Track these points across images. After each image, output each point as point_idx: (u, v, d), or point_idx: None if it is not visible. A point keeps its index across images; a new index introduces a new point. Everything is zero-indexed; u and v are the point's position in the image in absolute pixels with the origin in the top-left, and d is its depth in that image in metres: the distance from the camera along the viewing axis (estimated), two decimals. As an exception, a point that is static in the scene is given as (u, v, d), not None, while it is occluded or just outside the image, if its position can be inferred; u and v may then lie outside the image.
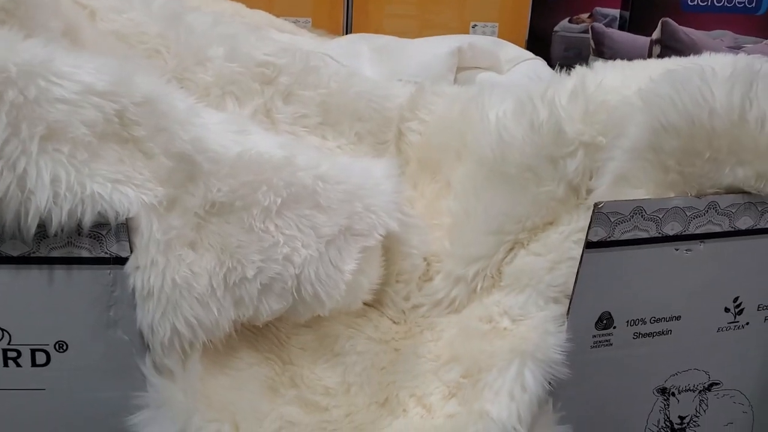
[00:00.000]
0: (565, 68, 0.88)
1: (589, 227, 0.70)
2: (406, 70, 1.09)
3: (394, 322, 0.82)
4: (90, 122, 0.61)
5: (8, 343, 0.65)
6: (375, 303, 0.81)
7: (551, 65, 1.20)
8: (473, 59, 1.15)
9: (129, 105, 0.64)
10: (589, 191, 0.78)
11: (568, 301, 0.73)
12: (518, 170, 0.79)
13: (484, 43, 1.18)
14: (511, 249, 0.80)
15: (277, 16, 1.38)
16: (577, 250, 0.74)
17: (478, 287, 0.80)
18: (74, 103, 0.61)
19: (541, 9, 1.61)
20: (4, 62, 0.58)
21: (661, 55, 1.39)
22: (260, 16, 1.24)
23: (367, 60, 1.14)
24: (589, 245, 0.70)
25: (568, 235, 0.77)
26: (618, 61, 0.87)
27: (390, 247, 0.80)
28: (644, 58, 0.96)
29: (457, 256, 0.82)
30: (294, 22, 1.42)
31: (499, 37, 1.54)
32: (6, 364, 0.65)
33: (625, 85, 0.79)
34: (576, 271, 0.72)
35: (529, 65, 1.19)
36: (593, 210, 0.69)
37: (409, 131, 0.95)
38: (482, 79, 1.12)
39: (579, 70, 0.84)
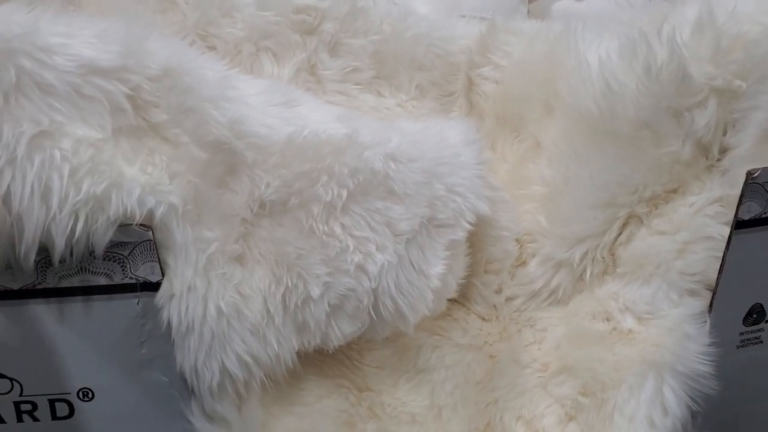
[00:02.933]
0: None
1: (739, 202, 0.57)
2: (468, 3, 0.91)
3: (484, 319, 0.68)
4: (94, 113, 0.46)
5: (20, 395, 0.52)
6: (459, 298, 0.67)
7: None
8: (546, -12, 0.98)
9: (143, 82, 0.49)
10: (723, 151, 0.62)
11: (710, 294, 0.60)
12: (632, 128, 0.63)
13: (558, -30, 1.00)
14: (626, 225, 0.65)
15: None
16: (716, 228, 0.61)
17: (587, 274, 0.65)
18: (73, 86, 0.46)
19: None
20: (-30, 38, 0.43)
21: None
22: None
23: (419, -7, 0.97)
24: (739, 224, 0.57)
25: (701, 208, 0.62)
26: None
27: (475, 231, 0.65)
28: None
29: (558, 236, 0.66)
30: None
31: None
32: (20, 419, 0.52)
33: (763, 11, 0.62)
34: (720, 255, 0.59)
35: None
36: (746, 180, 0.56)
37: (481, 80, 0.79)
38: (559, 8, 0.94)
39: None
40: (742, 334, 0.61)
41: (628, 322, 0.61)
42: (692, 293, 0.60)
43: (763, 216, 0.57)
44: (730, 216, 0.58)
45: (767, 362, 0.63)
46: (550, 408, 0.60)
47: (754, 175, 0.55)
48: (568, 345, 0.63)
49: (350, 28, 0.77)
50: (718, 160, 0.63)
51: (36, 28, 0.46)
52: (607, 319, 0.62)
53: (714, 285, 0.59)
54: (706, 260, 0.60)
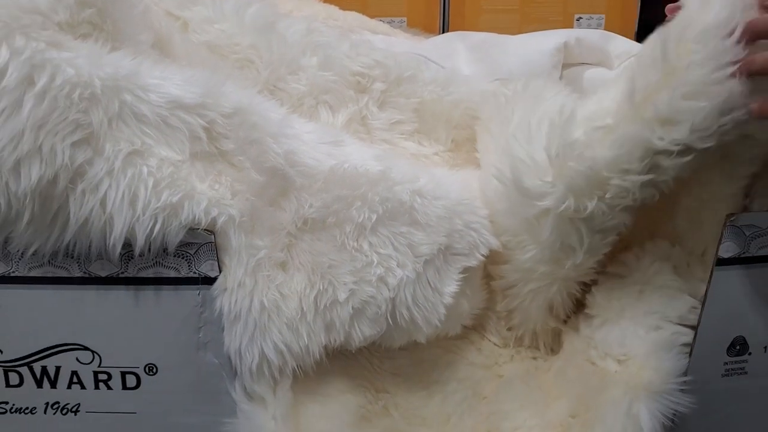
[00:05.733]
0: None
1: (719, 242, 0.63)
2: (506, 68, 1.02)
3: (497, 345, 0.76)
4: (176, 140, 0.58)
5: (99, 366, 0.63)
6: (477, 326, 0.75)
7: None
8: (580, 55, 1.07)
9: (218, 117, 0.61)
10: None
11: (675, 327, 0.66)
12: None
13: (592, 37, 1.10)
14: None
15: (372, 16, 1.33)
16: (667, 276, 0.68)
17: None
18: (162, 118, 0.58)
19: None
20: (89, 77, 0.56)
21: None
22: (353, 17, 1.19)
23: (463, 59, 1.08)
24: (719, 262, 0.63)
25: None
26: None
27: (490, 271, 0.74)
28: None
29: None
30: (389, 23, 1.38)
31: (605, 29, 1.44)
32: (97, 386, 0.63)
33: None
34: (678, 295, 0.66)
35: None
36: (725, 223, 0.63)
37: (509, 136, 0.88)
38: (591, 76, 1.04)
39: None
40: (726, 363, 0.66)
41: (611, 366, 0.66)
42: (657, 328, 0.65)
43: (742, 256, 0.63)
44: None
45: (751, 392, 0.67)
46: (544, 426, 0.67)
47: (732, 219, 0.62)
48: (565, 374, 0.69)
49: (397, 90, 0.89)
50: None
51: (138, 71, 0.59)
52: (593, 364, 0.68)
53: (678, 318, 0.65)
54: (664, 299, 0.66)
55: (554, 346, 0.74)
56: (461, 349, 0.74)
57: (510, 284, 0.72)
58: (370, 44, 0.92)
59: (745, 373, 0.67)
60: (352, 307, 0.62)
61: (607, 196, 0.61)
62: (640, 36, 1.48)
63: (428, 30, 1.42)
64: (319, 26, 0.91)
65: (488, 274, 0.75)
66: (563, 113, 0.65)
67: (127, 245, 0.58)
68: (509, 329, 0.76)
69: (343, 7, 1.28)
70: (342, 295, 0.61)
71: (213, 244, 0.59)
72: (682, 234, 0.69)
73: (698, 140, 0.58)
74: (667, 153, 0.58)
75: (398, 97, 0.90)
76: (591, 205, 0.62)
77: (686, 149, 0.58)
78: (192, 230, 0.59)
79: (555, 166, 0.63)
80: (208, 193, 0.59)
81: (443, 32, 1.41)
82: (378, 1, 1.42)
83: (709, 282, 0.64)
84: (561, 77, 1.02)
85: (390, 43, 1.12)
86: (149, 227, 0.57)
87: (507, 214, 0.70)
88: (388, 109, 0.90)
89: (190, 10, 0.84)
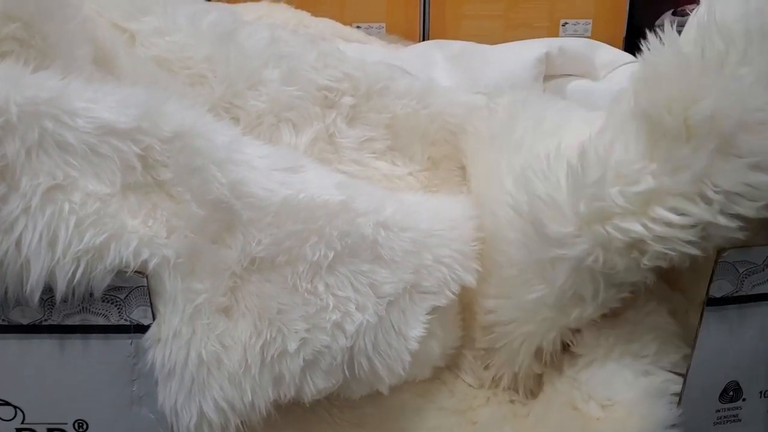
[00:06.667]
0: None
1: (710, 280, 0.58)
2: (486, 80, 0.96)
3: (472, 386, 0.70)
4: (106, 170, 0.52)
5: (22, 422, 0.56)
6: (451, 365, 0.69)
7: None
8: (563, 66, 1.01)
9: (155, 143, 0.54)
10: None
11: (665, 374, 0.61)
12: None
13: (576, 46, 1.04)
14: None
15: (349, 22, 1.28)
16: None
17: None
18: (89, 146, 0.52)
19: (641, 1, 1.44)
20: (4, 102, 0.49)
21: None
22: (325, 24, 1.13)
23: (442, 69, 1.02)
24: (710, 302, 0.58)
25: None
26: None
27: (470, 304, 0.68)
28: None
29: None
30: (366, 29, 1.32)
31: (592, 35, 1.39)
32: (20, 445, 0.57)
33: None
34: (670, 340, 0.62)
35: (629, 70, 1.04)
36: (716, 259, 0.57)
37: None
38: (574, 88, 0.98)
39: None
40: (718, 411, 0.61)
41: (594, 410, 0.61)
42: (647, 374, 0.60)
43: (735, 294, 0.58)
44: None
45: (746, 440, 0.63)
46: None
47: (724, 255, 0.57)
48: (544, 423, 0.64)
49: (369, 104, 0.83)
50: None
51: (63, 93, 0.52)
52: (575, 408, 0.62)
53: (670, 365, 0.60)
54: (656, 342, 0.61)
55: (534, 388, 0.68)
56: (431, 392, 0.67)
57: (501, 321, 0.66)
58: (339, 54, 0.86)
59: (739, 420, 0.63)
60: (304, 359, 0.55)
61: (645, 260, 0.54)
62: (629, 42, 1.42)
63: (408, 37, 1.36)
64: (284, 35, 0.85)
65: (466, 307, 0.69)
66: (584, 158, 0.56)
67: (49, 291, 0.52)
68: (486, 368, 0.70)
69: (320, 13, 1.22)
70: (292, 345, 0.55)
71: (145, 288, 0.53)
72: (685, 280, 0.63)
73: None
74: (724, 226, 0.52)
75: (369, 112, 0.84)
76: (622, 263, 0.55)
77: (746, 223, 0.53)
78: (121, 272, 0.52)
79: (582, 220, 0.56)
80: (140, 231, 0.52)
81: (423, 39, 1.36)
82: (355, 7, 1.36)
83: (700, 323, 0.59)
84: (543, 90, 0.96)
85: (364, 52, 1.05)
86: (71, 272, 0.50)
87: (518, 247, 0.63)
88: (358, 126, 0.84)
89: (138, 21, 0.77)
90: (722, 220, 0.52)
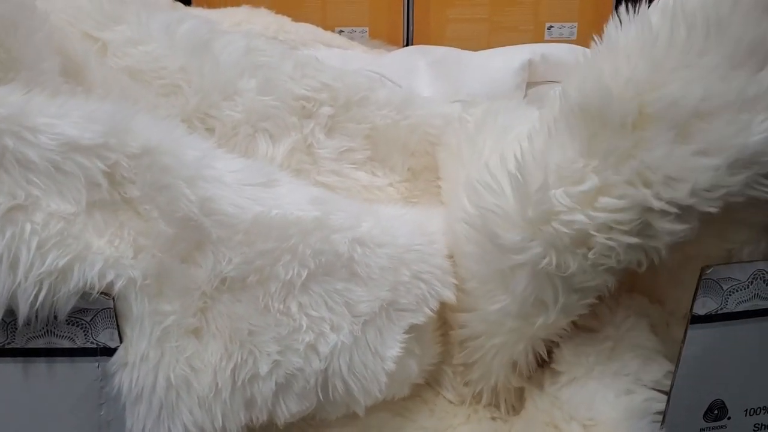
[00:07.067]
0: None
1: (694, 297, 0.57)
2: (468, 88, 0.95)
3: (452, 403, 0.68)
4: (71, 188, 0.50)
5: (-15, 448, 0.55)
6: (431, 381, 0.68)
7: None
8: (546, 73, 1.00)
9: (122, 159, 0.53)
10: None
11: (647, 392, 0.60)
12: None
13: (559, 53, 1.03)
14: None
15: (332, 26, 1.27)
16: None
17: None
18: (53, 163, 0.50)
19: (628, 4, 1.43)
20: (-39, 119, 0.47)
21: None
22: (306, 30, 1.12)
23: (424, 76, 1.01)
24: (695, 320, 0.57)
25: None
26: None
27: (448, 319, 0.66)
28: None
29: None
30: (350, 33, 1.30)
31: (578, 38, 1.38)
32: (-16, 472, 0.55)
33: None
34: (652, 357, 0.60)
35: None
36: (700, 276, 0.56)
37: (474, 166, 0.81)
38: (557, 95, 0.97)
39: None
40: (703, 430, 0.60)
41: (576, 430, 0.59)
42: (628, 392, 0.59)
43: (719, 312, 0.57)
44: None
45: (731, 460, 0.62)
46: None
47: (708, 272, 0.56)
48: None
49: (347, 114, 0.81)
50: None
51: (25, 109, 0.51)
52: (557, 428, 0.61)
53: (653, 383, 0.59)
54: (638, 360, 0.60)
55: (516, 404, 0.67)
56: (411, 410, 0.66)
57: (472, 335, 0.65)
58: (317, 64, 0.84)
59: (724, 438, 0.61)
60: (276, 382, 0.54)
61: (591, 255, 0.54)
62: (615, 47, 1.41)
63: (391, 41, 1.35)
64: (261, 44, 0.83)
65: (446, 322, 0.67)
66: (523, 165, 0.57)
67: (11, 313, 0.50)
68: (466, 384, 0.68)
69: (302, 17, 1.21)
70: (264, 368, 0.53)
71: (112, 310, 0.51)
72: (662, 292, 0.62)
73: (701, 203, 0.51)
74: (661, 213, 0.52)
75: (348, 123, 0.83)
76: (574, 263, 0.55)
77: (684, 213, 0.52)
78: (87, 294, 0.50)
79: (532, 225, 0.55)
80: (105, 252, 0.51)
81: (407, 44, 1.35)
82: (338, 11, 1.35)
83: (683, 341, 0.58)
84: (525, 96, 0.95)
85: (345, 58, 1.04)
86: (33, 294, 0.49)
87: (477, 260, 0.62)
88: (337, 136, 0.82)
89: (111, 30, 0.75)
90: (657, 204, 0.51)
